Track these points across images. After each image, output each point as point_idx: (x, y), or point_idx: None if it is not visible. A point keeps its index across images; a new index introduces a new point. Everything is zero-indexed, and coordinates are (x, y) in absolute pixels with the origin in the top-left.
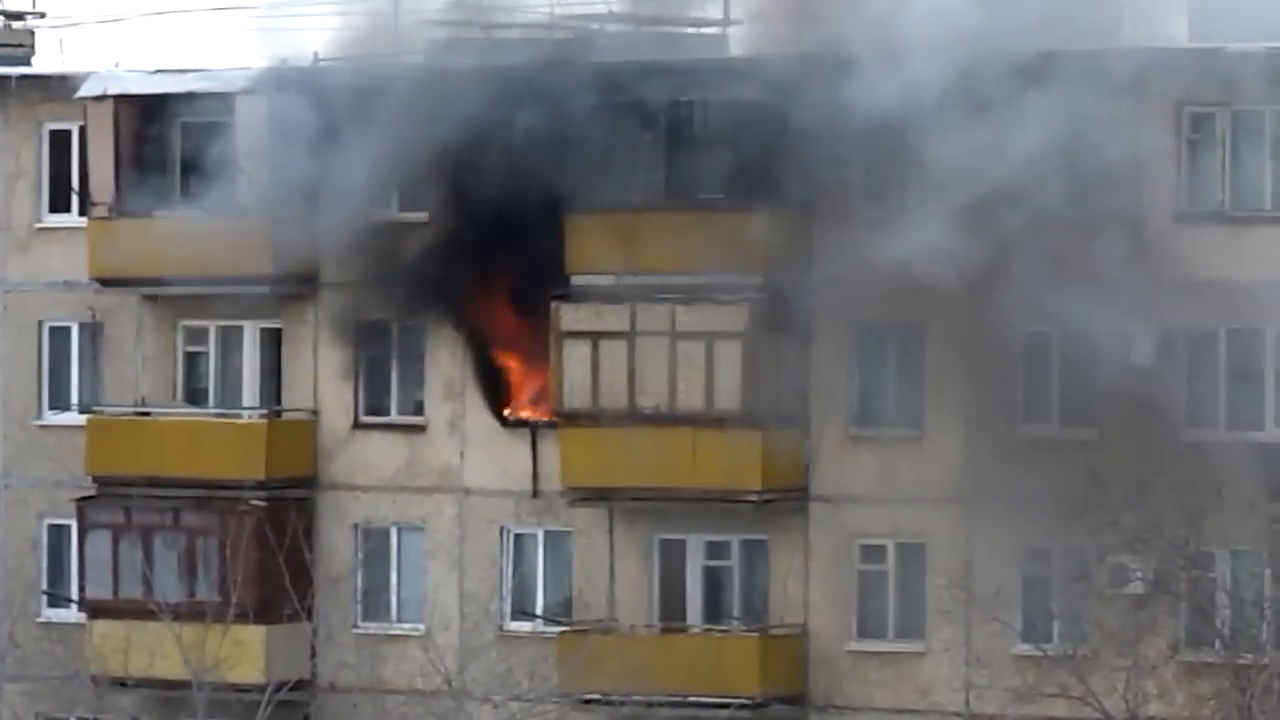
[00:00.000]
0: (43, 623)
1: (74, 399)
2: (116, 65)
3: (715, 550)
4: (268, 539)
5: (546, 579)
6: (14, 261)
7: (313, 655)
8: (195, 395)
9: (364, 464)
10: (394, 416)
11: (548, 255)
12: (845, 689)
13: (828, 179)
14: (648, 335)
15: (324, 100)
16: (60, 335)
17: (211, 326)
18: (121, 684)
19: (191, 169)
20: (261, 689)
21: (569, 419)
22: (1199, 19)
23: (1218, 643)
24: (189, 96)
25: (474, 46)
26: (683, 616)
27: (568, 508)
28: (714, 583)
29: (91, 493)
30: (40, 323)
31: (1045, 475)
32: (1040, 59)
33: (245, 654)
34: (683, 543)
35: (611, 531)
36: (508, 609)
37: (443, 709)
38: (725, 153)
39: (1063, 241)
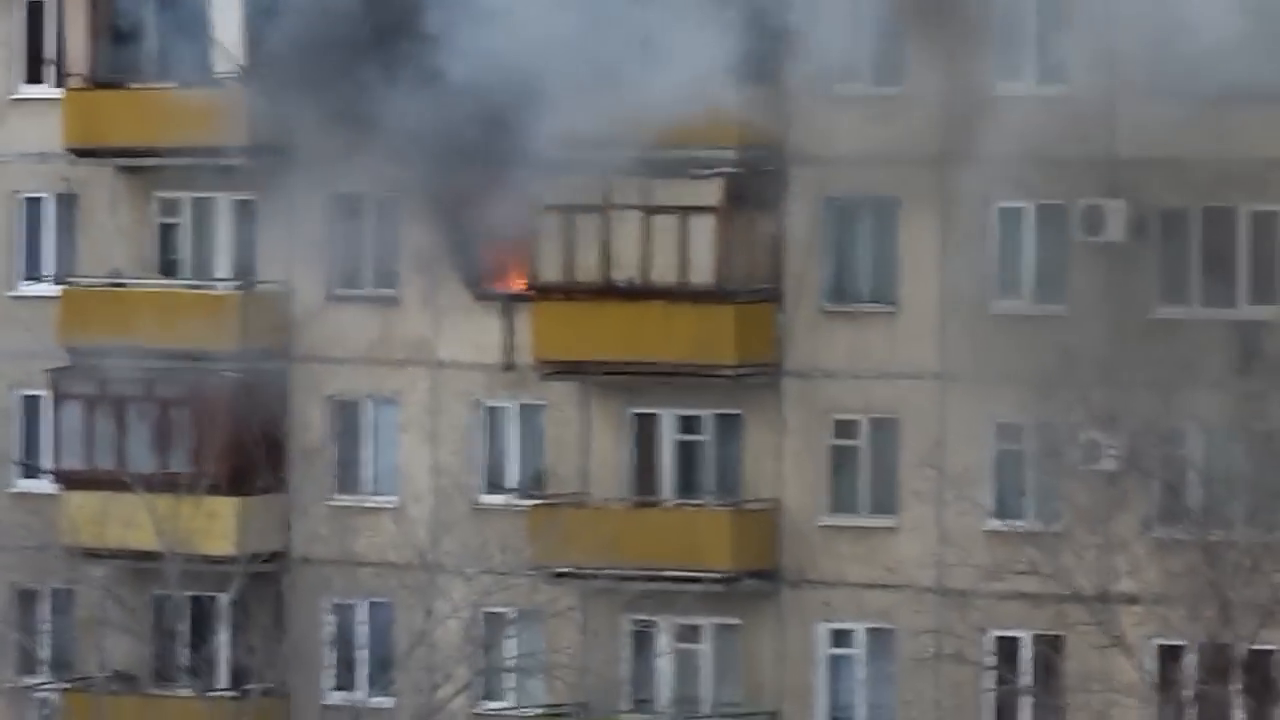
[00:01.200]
0: (15, 493)
1: (48, 270)
2: None
3: (688, 424)
4: (241, 411)
5: (520, 452)
6: None
7: (286, 527)
8: (169, 267)
9: (337, 336)
10: (367, 289)
11: (524, 130)
12: (817, 563)
13: (805, 55)
14: (622, 209)
15: None
16: (35, 206)
17: (186, 198)
18: (94, 555)
19: (167, 40)
20: (234, 561)
21: (542, 292)
22: None
23: (1188, 519)
24: None
25: None
26: (656, 490)
27: (541, 381)
28: (687, 457)
29: (65, 363)
30: (14, 193)
31: (1018, 351)
32: None
33: (218, 526)
34: (656, 417)
35: (585, 405)
36: (481, 482)
37: (415, 581)
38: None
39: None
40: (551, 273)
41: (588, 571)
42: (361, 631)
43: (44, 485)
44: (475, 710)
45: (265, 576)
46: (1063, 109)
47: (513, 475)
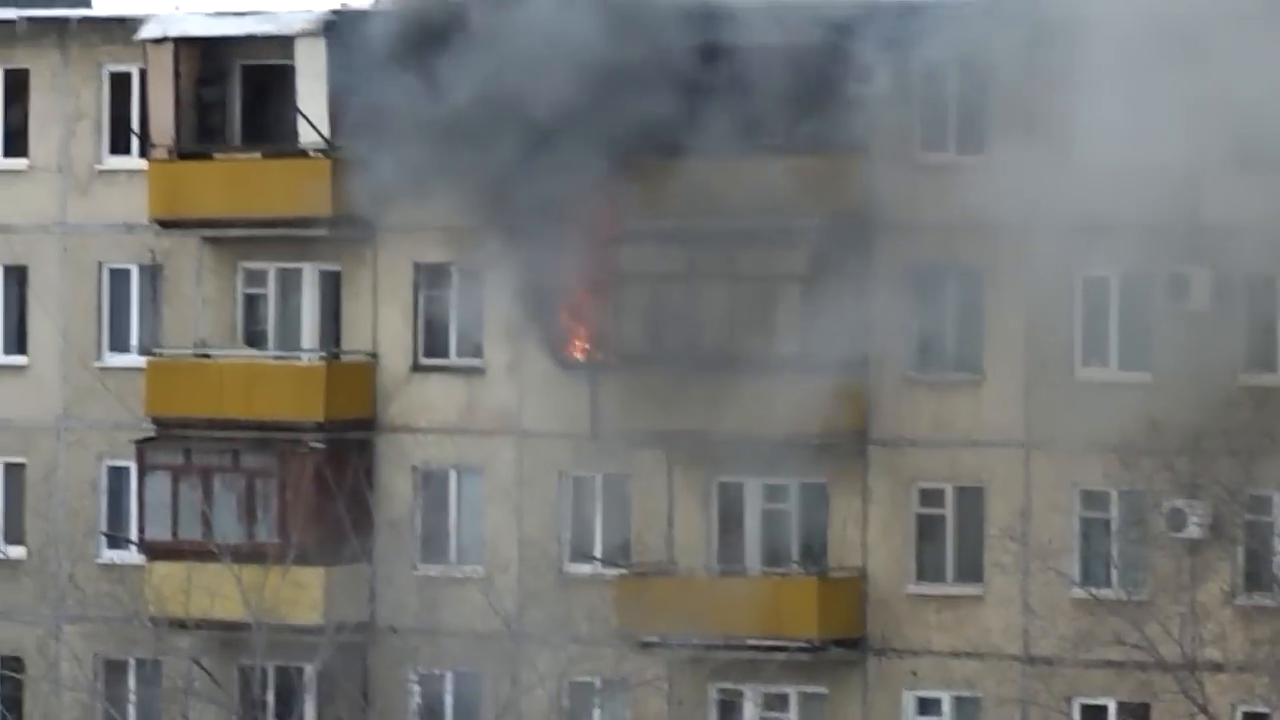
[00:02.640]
0: (102, 564)
1: (134, 341)
2: (177, 7)
3: (774, 493)
4: (327, 481)
5: (605, 522)
6: (75, 203)
7: (372, 597)
8: (255, 337)
9: (423, 406)
10: (453, 359)
11: (610, 197)
12: (903, 632)
13: (888, 122)
14: (707, 278)
15: (385, 42)
16: (120, 277)
17: (271, 269)
18: (181, 625)
19: (251, 111)
20: (320, 631)
21: (628, 362)
22: None
23: (1274, 587)
24: (249, 39)
25: None
26: (741, 559)
27: (627, 451)
28: (772, 526)
29: (151, 434)
30: (100, 265)
31: (1103, 419)
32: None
33: (304, 596)
34: (741, 486)
35: (670, 474)
36: (566, 552)
37: (501, 651)
38: (785, 97)
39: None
40: (637, 342)
41: (673, 641)
42: (448, 702)
43: (130, 556)
44: None
45: (351, 647)
46: (1147, 176)
47: (598, 545)
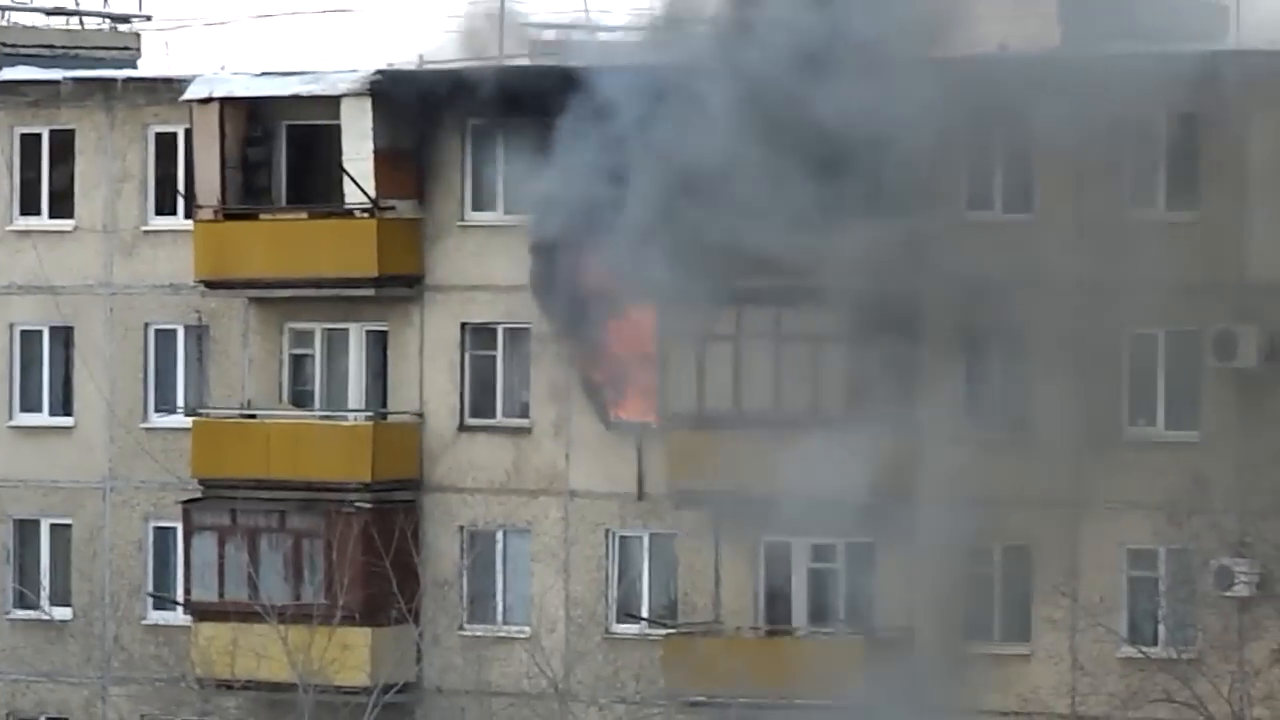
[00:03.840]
0: (148, 625)
1: (180, 401)
2: (222, 68)
3: (820, 552)
4: (374, 541)
5: (652, 581)
6: (120, 264)
7: (419, 658)
8: (301, 398)
9: (470, 466)
10: (500, 419)
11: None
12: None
13: (933, 181)
14: (753, 338)
15: (430, 102)
16: (166, 338)
17: (317, 329)
18: (227, 686)
19: (297, 171)
20: (368, 691)
21: (674, 421)
22: None
23: None
24: (295, 99)
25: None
26: (788, 619)
27: (673, 510)
28: (819, 585)
29: (197, 495)
30: (146, 325)
31: (1150, 478)
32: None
33: (351, 657)
34: (788, 545)
35: (716, 534)
36: (613, 611)
37: (548, 711)
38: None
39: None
40: (683, 402)
41: (721, 700)
42: None
43: (176, 617)
44: None
45: (399, 707)
46: (1193, 234)
47: (645, 604)
